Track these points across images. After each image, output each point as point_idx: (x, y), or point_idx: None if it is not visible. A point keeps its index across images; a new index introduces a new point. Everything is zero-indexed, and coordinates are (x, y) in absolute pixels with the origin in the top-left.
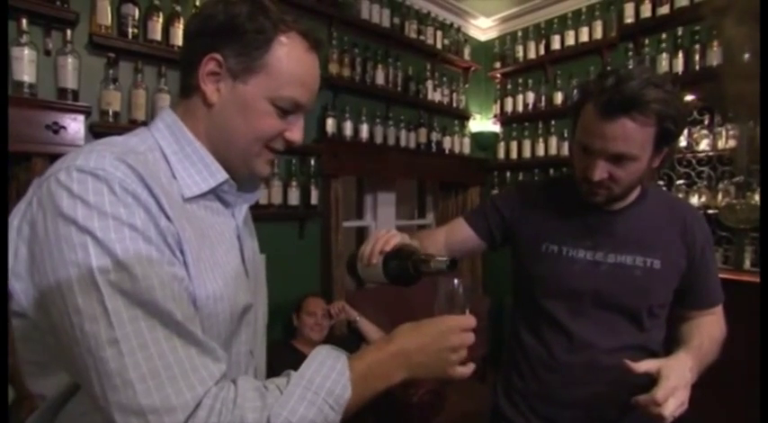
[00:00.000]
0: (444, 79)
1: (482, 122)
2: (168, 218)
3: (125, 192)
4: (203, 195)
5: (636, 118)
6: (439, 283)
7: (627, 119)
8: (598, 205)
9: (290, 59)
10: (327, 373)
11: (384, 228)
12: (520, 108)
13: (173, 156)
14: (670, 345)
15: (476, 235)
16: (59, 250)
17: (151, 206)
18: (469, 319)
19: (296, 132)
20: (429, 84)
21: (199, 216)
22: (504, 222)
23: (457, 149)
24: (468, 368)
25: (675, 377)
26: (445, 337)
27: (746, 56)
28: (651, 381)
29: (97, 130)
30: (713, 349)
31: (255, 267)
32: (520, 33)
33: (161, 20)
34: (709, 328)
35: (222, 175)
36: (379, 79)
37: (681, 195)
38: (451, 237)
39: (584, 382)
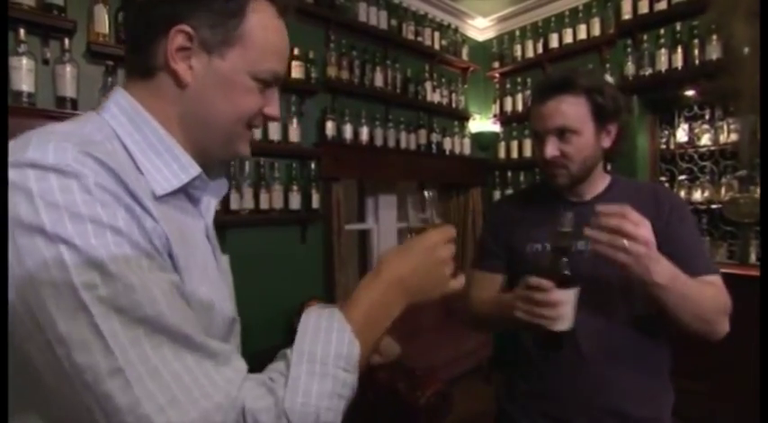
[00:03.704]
0: (443, 80)
1: (482, 122)
2: (153, 218)
3: (101, 189)
4: (173, 193)
5: (566, 95)
6: (408, 200)
7: (559, 97)
8: (566, 196)
9: (266, 28)
10: (327, 338)
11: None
12: (519, 107)
13: (134, 147)
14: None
15: (500, 276)
16: (24, 270)
17: (132, 205)
18: (450, 229)
19: (274, 107)
20: (428, 85)
21: (172, 217)
22: (502, 243)
23: (457, 150)
24: (461, 279)
25: (648, 229)
26: (434, 253)
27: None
28: (659, 363)
29: None
30: (703, 293)
31: (225, 270)
32: (517, 32)
33: None
34: (702, 284)
35: (195, 169)
36: (378, 81)
37: (683, 191)
38: (490, 292)
39: (589, 373)
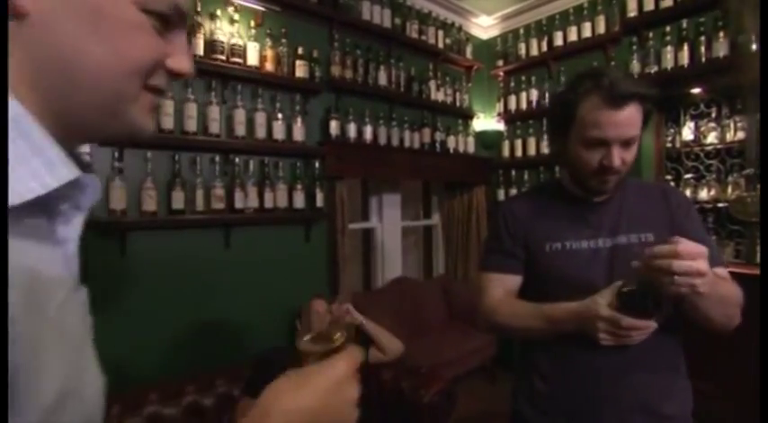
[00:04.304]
0: (447, 79)
1: (486, 121)
2: None
3: None
4: (27, 206)
5: (635, 103)
6: (315, 311)
7: (631, 106)
8: (583, 195)
9: None
10: None
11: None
12: (524, 106)
13: None
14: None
15: (519, 277)
16: None
17: None
18: (358, 354)
19: (183, 59)
20: (432, 83)
21: (22, 253)
22: (520, 242)
23: (461, 149)
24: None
25: (701, 251)
26: (344, 390)
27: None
28: (678, 360)
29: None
30: (731, 292)
31: (85, 314)
32: (522, 30)
33: None
34: (728, 282)
35: (70, 170)
36: (382, 80)
37: (689, 190)
38: (511, 291)
39: (612, 373)
